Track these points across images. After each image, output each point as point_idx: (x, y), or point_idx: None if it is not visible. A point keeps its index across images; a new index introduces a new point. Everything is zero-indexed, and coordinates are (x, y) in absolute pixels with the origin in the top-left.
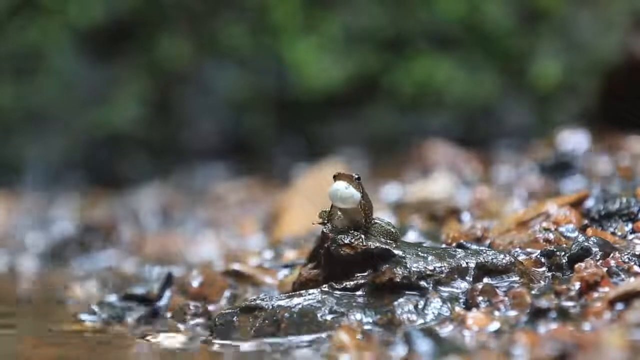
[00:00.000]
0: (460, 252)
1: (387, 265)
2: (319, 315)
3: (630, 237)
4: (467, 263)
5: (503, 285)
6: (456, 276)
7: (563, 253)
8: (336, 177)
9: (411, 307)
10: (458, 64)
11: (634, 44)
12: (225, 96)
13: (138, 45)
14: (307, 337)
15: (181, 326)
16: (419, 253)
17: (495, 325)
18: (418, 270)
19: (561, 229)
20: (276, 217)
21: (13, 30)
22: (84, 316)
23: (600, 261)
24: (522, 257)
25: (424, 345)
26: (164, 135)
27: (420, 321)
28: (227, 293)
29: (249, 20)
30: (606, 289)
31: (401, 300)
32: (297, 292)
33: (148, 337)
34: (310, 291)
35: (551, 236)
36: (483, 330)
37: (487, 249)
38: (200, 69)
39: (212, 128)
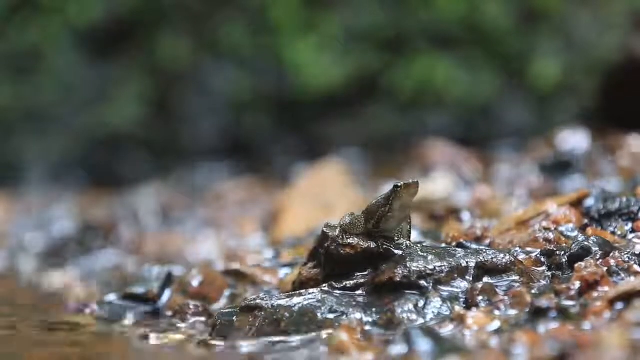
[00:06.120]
0: (460, 252)
1: (387, 265)
2: (319, 314)
3: (630, 236)
4: (467, 262)
5: (503, 285)
6: (456, 275)
7: (563, 252)
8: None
9: (411, 306)
10: (458, 64)
11: (634, 44)
12: (225, 96)
13: (138, 45)
14: (307, 337)
15: (181, 325)
16: (419, 252)
17: (495, 325)
18: (418, 269)
19: (561, 229)
20: (276, 217)
21: (13, 30)
22: (84, 316)
23: (600, 260)
24: (522, 257)
25: (424, 344)
26: (164, 135)
27: (420, 320)
28: (227, 292)
29: (248, 20)
30: (606, 288)
31: (401, 299)
32: (297, 292)
33: (148, 337)
34: (310, 291)
35: (551, 235)
36: (483, 330)
37: (487, 248)
38: (200, 69)
39: (212, 128)
